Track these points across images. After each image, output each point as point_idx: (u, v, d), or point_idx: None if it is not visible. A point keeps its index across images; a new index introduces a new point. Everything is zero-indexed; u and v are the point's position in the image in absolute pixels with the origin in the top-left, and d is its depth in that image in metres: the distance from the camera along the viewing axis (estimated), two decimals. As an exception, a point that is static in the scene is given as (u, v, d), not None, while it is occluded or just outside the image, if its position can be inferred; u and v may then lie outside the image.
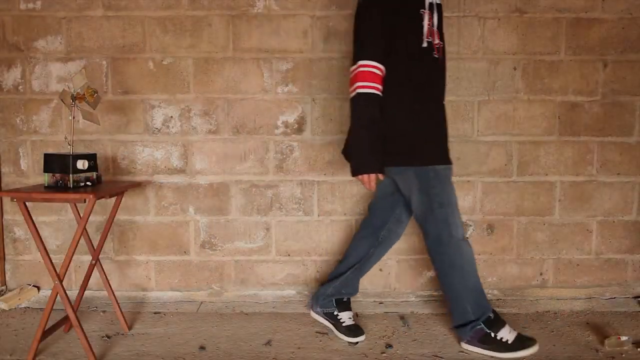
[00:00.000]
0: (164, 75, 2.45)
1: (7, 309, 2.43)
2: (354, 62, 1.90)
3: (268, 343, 2.10)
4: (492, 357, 1.97)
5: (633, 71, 2.45)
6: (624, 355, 1.98)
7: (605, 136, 2.49)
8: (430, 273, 2.55)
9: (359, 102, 1.87)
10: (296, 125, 2.47)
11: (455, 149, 2.48)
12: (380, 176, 1.95)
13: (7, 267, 2.56)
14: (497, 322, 1.99)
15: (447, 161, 1.99)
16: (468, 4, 2.41)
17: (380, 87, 1.88)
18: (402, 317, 2.36)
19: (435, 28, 1.95)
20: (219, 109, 2.46)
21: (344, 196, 2.50)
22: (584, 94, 2.46)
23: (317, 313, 2.24)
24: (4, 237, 2.54)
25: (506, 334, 1.97)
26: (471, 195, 2.51)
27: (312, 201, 2.51)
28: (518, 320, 2.29)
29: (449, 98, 2.45)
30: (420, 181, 1.95)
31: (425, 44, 1.91)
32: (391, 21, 1.87)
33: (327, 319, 2.20)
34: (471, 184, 2.50)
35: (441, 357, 1.98)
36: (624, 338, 2.04)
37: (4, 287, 2.55)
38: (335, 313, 2.18)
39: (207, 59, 2.44)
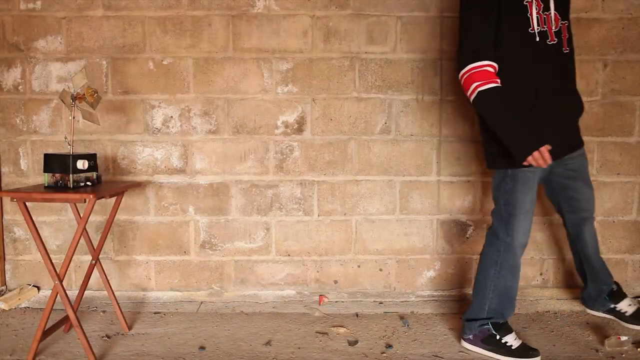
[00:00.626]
0: (164, 75, 2.45)
1: (7, 309, 2.43)
2: (463, 64, 1.84)
3: (268, 343, 2.10)
4: (492, 359, 1.97)
5: (633, 71, 2.45)
6: (624, 355, 1.98)
7: (605, 136, 2.49)
8: (430, 273, 2.55)
9: (486, 99, 1.82)
10: (296, 125, 2.47)
11: (455, 149, 2.48)
12: (547, 146, 1.79)
13: (7, 267, 2.56)
14: (505, 327, 2.00)
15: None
16: (468, 4, 2.41)
17: (498, 80, 1.81)
18: (402, 317, 2.36)
19: (549, 13, 1.87)
20: (219, 109, 2.46)
21: (344, 196, 2.50)
22: (584, 94, 2.44)
23: (602, 312, 2.24)
24: (4, 237, 2.54)
25: (511, 340, 1.96)
26: (471, 195, 2.51)
27: (312, 201, 2.51)
28: (518, 321, 2.29)
29: (448, 98, 2.46)
30: (497, 176, 2.00)
31: (539, 39, 1.85)
32: (495, 14, 1.82)
33: (608, 313, 2.20)
34: (471, 184, 2.50)
35: (441, 357, 1.98)
36: (624, 338, 2.04)
37: (4, 287, 2.55)
38: (613, 306, 2.18)
39: (207, 59, 2.44)
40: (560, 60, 1.92)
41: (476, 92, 1.81)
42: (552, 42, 1.88)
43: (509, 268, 1.98)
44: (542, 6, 1.86)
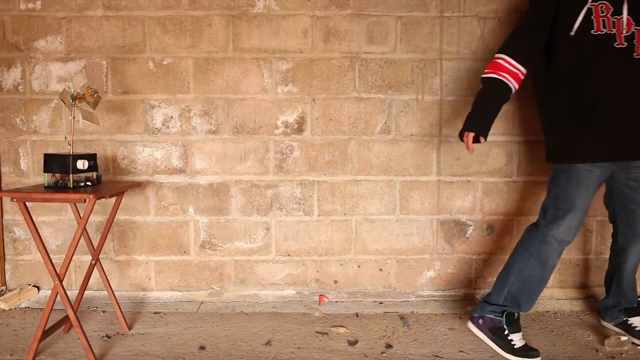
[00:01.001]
0: (164, 75, 2.45)
1: (7, 309, 2.43)
2: None
3: (268, 343, 2.10)
4: (494, 351, 1.99)
5: (633, 71, 2.45)
6: (624, 355, 1.98)
7: (605, 136, 2.48)
8: (430, 273, 2.55)
9: (481, 85, 2.04)
10: (296, 125, 2.47)
11: (455, 149, 2.48)
12: (482, 140, 2.02)
13: (7, 267, 2.56)
14: (516, 324, 2.01)
15: (588, 159, 1.92)
16: (468, 4, 2.41)
17: (503, 74, 1.97)
18: (402, 317, 2.36)
19: (621, 17, 1.86)
20: (219, 109, 2.46)
21: (344, 196, 2.50)
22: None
23: (613, 324, 2.22)
24: (4, 237, 2.54)
25: (517, 339, 1.98)
26: (471, 195, 2.51)
27: (312, 201, 2.51)
28: (518, 320, 2.30)
29: (448, 98, 2.46)
30: (553, 170, 2.03)
31: (603, 41, 1.86)
32: (550, 18, 1.92)
33: (619, 326, 2.18)
34: (471, 184, 2.50)
35: (441, 357, 1.98)
36: (624, 338, 2.04)
37: (4, 287, 2.55)
38: (625, 319, 2.15)
39: (207, 59, 2.44)
40: (628, 63, 1.89)
41: (481, 77, 2.04)
42: (621, 46, 1.86)
43: (538, 258, 1.98)
44: (612, 10, 1.86)
